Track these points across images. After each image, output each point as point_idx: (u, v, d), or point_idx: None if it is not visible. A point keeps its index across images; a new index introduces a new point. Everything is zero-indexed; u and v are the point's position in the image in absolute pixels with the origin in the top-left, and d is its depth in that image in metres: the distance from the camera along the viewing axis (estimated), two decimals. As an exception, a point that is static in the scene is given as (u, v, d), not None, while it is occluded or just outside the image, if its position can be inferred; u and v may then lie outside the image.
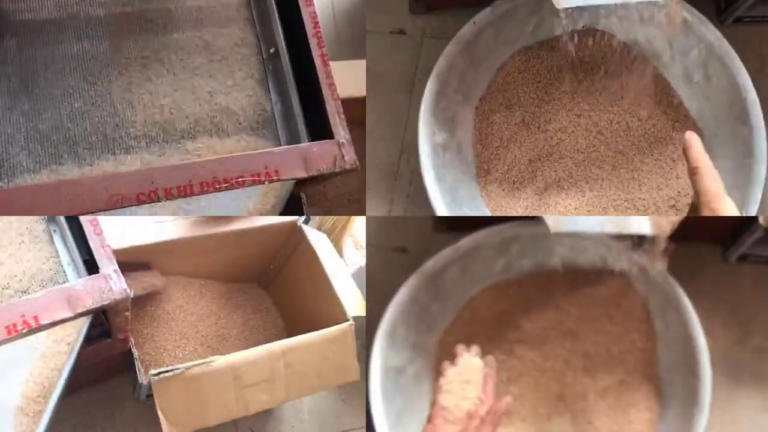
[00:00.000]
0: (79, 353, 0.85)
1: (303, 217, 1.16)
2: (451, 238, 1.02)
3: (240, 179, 0.76)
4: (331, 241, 1.28)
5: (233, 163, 0.76)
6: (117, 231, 0.94)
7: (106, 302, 0.78)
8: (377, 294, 1.00)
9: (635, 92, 1.07)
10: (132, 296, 0.81)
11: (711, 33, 0.99)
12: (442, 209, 0.95)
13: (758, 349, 1.02)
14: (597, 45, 1.08)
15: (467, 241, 0.99)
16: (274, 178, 0.78)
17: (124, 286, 0.80)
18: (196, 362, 0.89)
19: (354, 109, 0.98)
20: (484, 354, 0.97)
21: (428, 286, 0.99)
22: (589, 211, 1.04)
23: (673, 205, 1.04)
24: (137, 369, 0.94)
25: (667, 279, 0.94)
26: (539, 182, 1.07)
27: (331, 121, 0.84)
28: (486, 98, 1.11)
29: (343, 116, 0.84)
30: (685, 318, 0.92)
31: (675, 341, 0.96)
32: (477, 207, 1.05)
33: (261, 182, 0.77)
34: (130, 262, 1.02)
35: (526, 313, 1.03)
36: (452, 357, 0.99)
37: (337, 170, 0.82)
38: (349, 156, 0.83)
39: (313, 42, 0.86)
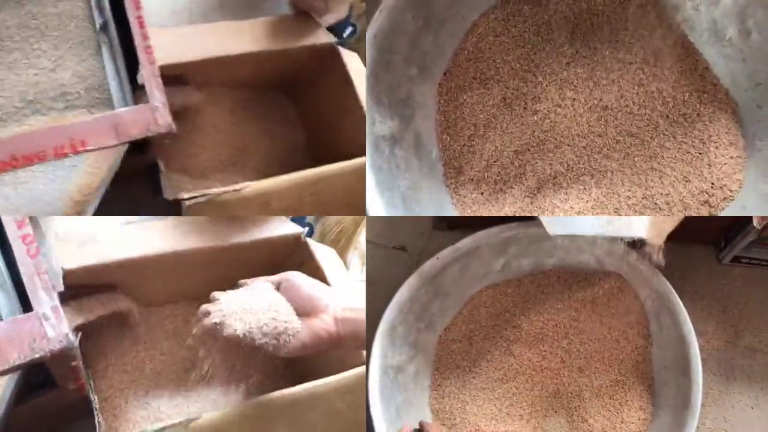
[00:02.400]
0: (7, 414, 0.68)
1: (306, 230, 1.07)
2: (451, 236, 1.01)
3: (41, 154, 0.71)
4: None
5: (33, 138, 0.72)
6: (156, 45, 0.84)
7: (151, 133, 0.73)
8: (377, 292, 0.98)
9: (651, 56, 0.88)
10: (76, 344, 0.64)
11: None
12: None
13: (749, 348, 1.04)
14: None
15: (467, 242, 0.96)
16: (80, 149, 0.74)
17: (65, 330, 0.62)
18: (225, 189, 0.83)
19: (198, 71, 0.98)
20: (482, 353, 0.99)
21: (428, 286, 0.96)
22: (596, 214, 0.88)
23: (706, 201, 0.86)
24: (96, 423, 0.76)
25: (660, 280, 0.92)
26: (530, 180, 0.89)
27: (147, 85, 0.80)
28: (452, 71, 0.91)
29: (159, 80, 0.81)
30: (679, 320, 0.90)
31: (668, 342, 0.94)
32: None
33: (65, 155, 0.73)
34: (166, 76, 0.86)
35: (524, 313, 1.02)
36: (452, 355, 1.01)
37: (150, 135, 0.78)
38: (164, 119, 0.79)
39: (129, 5, 0.82)
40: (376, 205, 0.82)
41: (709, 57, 0.89)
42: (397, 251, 1.15)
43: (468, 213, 0.90)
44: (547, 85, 0.89)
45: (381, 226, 1.16)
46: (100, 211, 0.87)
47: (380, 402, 0.92)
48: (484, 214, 0.89)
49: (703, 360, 0.89)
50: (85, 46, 0.84)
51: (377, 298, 0.96)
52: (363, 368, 0.86)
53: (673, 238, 0.83)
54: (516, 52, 0.91)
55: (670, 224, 0.84)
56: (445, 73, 0.91)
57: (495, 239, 0.97)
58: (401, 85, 0.88)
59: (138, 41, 0.81)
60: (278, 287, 0.78)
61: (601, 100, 0.89)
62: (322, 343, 0.74)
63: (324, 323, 0.74)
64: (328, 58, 1.08)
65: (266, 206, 0.89)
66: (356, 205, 0.94)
